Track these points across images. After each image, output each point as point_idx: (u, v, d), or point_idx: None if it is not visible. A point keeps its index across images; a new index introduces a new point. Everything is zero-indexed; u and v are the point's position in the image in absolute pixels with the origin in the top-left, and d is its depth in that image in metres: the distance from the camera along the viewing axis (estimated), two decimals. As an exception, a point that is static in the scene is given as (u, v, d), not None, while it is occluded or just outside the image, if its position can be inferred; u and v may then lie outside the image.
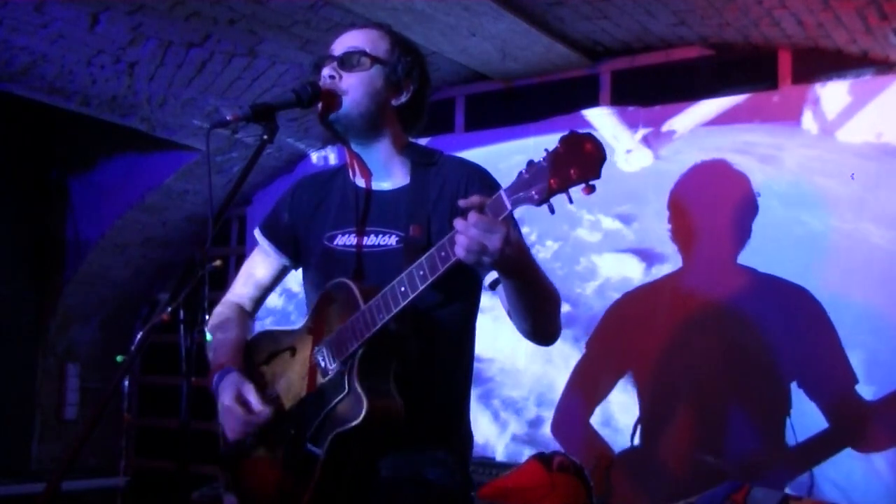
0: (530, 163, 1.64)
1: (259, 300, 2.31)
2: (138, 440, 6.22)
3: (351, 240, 2.07)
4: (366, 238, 2.05)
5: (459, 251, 1.68)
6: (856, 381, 3.60)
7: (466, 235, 1.66)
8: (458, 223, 1.68)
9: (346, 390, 1.87)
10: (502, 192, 1.67)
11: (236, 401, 1.98)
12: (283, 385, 2.05)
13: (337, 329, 1.93)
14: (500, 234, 1.65)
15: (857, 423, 3.62)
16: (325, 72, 2.04)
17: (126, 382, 5.79)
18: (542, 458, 3.43)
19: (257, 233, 2.28)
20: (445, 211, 2.00)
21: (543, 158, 1.62)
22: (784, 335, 3.78)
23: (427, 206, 2.01)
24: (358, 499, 1.96)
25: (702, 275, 4.05)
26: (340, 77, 2.03)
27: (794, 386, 3.74)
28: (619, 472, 4.06)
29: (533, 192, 1.62)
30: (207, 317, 1.86)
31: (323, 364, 1.97)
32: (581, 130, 1.61)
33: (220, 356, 2.13)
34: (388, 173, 2.10)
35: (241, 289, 2.30)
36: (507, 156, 4.61)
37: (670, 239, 4.13)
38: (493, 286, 1.99)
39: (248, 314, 2.28)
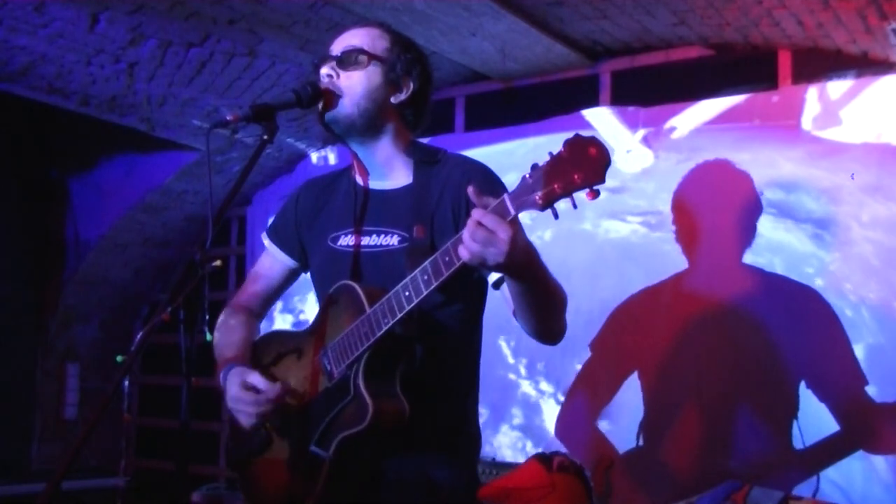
0: (534, 166, 1.61)
1: (267, 303, 2.31)
2: (138, 440, 6.22)
3: (351, 240, 2.07)
4: (366, 238, 2.05)
5: (465, 254, 1.66)
6: (865, 382, 3.60)
7: (474, 239, 1.64)
8: (471, 221, 1.65)
9: (352, 394, 1.87)
10: (506, 197, 1.64)
11: (243, 388, 1.97)
12: (288, 387, 2.05)
13: (342, 332, 1.92)
14: (506, 236, 1.63)
15: (867, 424, 3.61)
16: (324, 71, 2.04)
17: (126, 382, 5.79)
18: (542, 458, 3.43)
19: (264, 237, 2.29)
20: (448, 210, 1.99)
21: (547, 162, 1.59)
22: (792, 335, 3.78)
23: (430, 205, 2.00)
24: (365, 500, 1.96)
25: (707, 275, 4.05)
26: (338, 76, 2.02)
27: (801, 388, 3.73)
28: (621, 473, 4.06)
29: (536, 197, 1.59)
30: (207, 317, 1.85)
31: (328, 367, 1.96)
32: (585, 133, 1.58)
33: (224, 354, 2.13)
34: (390, 172, 2.09)
35: (248, 293, 2.30)
36: (507, 156, 4.60)
37: (675, 240, 4.12)
38: (496, 286, 1.98)
39: (255, 317, 2.28)
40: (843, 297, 3.73)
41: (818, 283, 3.80)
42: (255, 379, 1.97)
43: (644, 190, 4.30)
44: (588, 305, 4.23)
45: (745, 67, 4.13)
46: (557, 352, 4.28)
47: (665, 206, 4.19)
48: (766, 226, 3.95)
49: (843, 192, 3.80)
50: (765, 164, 3.96)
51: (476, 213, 1.64)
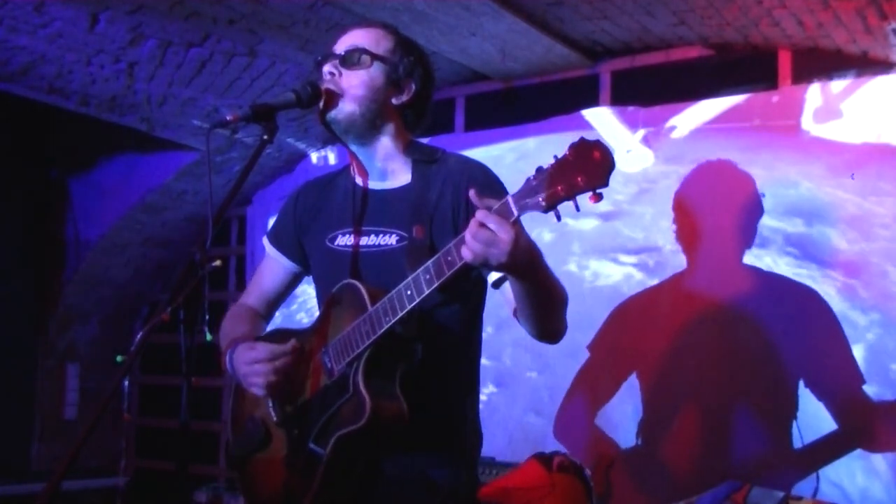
0: (539, 169, 1.64)
1: (271, 307, 2.31)
2: (138, 440, 6.22)
3: (350, 240, 2.07)
4: (365, 237, 2.05)
5: (467, 254, 1.67)
6: (863, 381, 3.59)
7: (476, 239, 1.65)
8: (473, 222, 1.66)
9: (351, 392, 1.87)
10: (509, 198, 1.66)
11: (254, 358, 1.96)
12: (289, 385, 2.05)
13: (343, 331, 1.93)
14: (510, 237, 1.64)
15: (866, 423, 3.61)
16: (326, 69, 2.05)
17: (126, 382, 5.80)
18: (542, 458, 3.43)
19: (265, 240, 2.29)
20: (447, 210, 1.99)
21: (551, 165, 1.61)
22: (791, 335, 3.76)
23: (429, 205, 2.01)
24: (362, 499, 1.96)
25: (706, 275, 4.04)
26: (341, 74, 2.03)
27: (800, 387, 3.73)
28: (621, 472, 4.06)
29: (540, 199, 1.61)
30: (207, 317, 1.86)
31: (329, 365, 1.97)
32: (590, 138, 1.61)
33: (229, 337, 2.13)
34: (389, 172, 2.10)
35: (251, 296, 2.30)
36: (506, 156, 4.60)
37: (675, 239, 4.11)
38: (496, 285, 1.98)
39: (260, 315, 2.28)
40: (841, 299, 3.66)
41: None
42: (266, 348, 1.96)
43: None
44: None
45: (745, 67, 4.13)
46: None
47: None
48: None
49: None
50: (766, 166, 3.94)
51: (480, 214, 1.66)
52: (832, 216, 3.75)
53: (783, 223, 3.84)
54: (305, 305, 5.08)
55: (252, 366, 1.96)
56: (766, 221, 3.86)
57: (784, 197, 3.86)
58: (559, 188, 1.59)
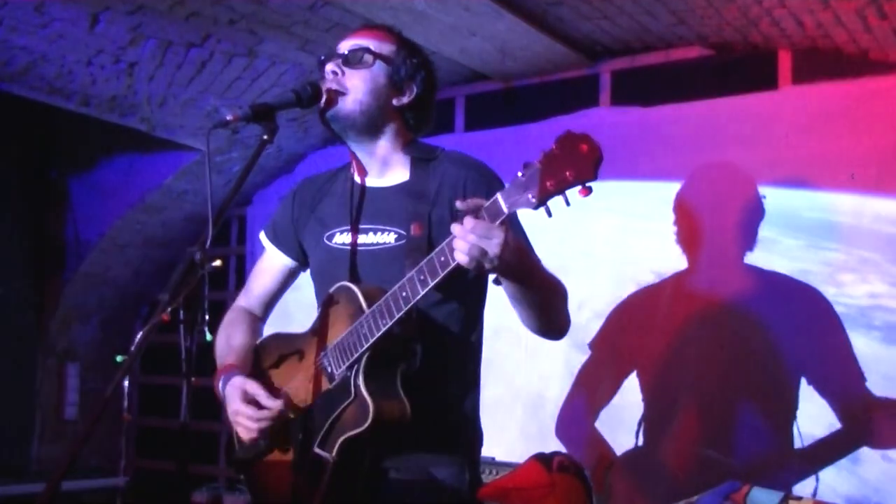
0: (526, 164, 1.63)
1: (269, 304, 2.32)
2: (138, 440, 6.22)
3: (348, 238, 2.07)
4: (363, 235, 2.06)
5: (459, 256, 1.68)
6: (864, 378, 3.59)
7: (465, 241, 1.65)
8: (456, 228, 1.67)
9: (353, 395, 1.88)
10: (499, 196, 1.66)
11: (244, 401, 1.97)
12: (291, 389, 2.05)
13: (342, 334, 1.93)
14: (498, 239, 1.64)
15: (869, 421, 3.60)
16: (329, 68, 2.06)
17: (126, 382, 5.79)
18: (542, 458, 3.42)
19: (262, 236, 2.29)
20: (445, 207, 2.00)
21: (539, 160, 1.60)
22: (792, 334, 3.76)
23: (427, 202, 2.01)
24: (369, 500, 1.96)
25: (707, 274, 4.03)
26: (343, 74, 2.03)
27: (800, 387, 3.72)
28: (621, 472, 4.06)
29: (530, 195, 1.60)
30: (207, 317, 1.86)
31: (329, 369, 1.97)
32: (577, 130, 1.59)
33: (224, 358, 2.13)
34: (388, 170, 2.10)
35: (250, 294, 2.31)
36: (507, 156, 4.59)
37: (676, 241, 4.11)
38: (497, 281, 1.99)
39: (257, 318, 2.29)
40: (840, 299, 3.69)
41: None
42: (257, 391, 1.97)
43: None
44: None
45: (745, 67, 4.12)
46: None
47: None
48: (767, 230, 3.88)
49: (843, 193, 3.66)
50: (767, 168, 3.94)
51: (467, 218, 1.66)
52: (843, 233, 3.71)
53: (790, 238, 3.82)
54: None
55: (237, 416, 1.99)
56: (773, 235, 3.87)
57: (789, 208, 3.85)
58: (548, 184, 1.58)
